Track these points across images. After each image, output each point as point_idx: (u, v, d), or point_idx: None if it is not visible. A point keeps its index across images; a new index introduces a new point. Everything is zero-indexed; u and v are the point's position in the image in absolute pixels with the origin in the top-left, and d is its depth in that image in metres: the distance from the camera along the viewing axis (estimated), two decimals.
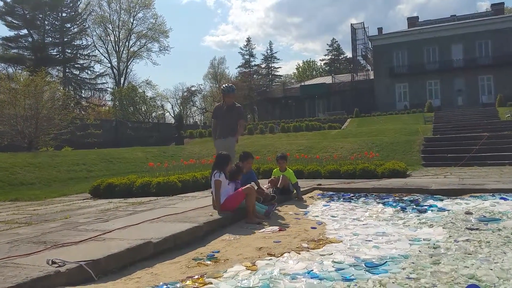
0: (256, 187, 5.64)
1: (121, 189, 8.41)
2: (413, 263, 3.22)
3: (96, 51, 53.38)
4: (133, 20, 54.98)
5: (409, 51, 41.53)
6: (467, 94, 39.10)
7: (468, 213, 5.21)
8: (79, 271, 2.94)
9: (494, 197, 6.19)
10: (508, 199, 5.96)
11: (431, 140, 16.28)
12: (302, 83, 55.87)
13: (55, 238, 3.96)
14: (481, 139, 14.63)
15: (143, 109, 50.42)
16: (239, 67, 75.89)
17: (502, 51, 37.91)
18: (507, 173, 9.92)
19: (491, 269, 2.99)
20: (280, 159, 7.26)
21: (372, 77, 45.77)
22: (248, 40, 75.92)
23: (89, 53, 50.65)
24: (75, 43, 49.27)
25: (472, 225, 4.55)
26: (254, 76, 74.84)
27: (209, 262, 3.47)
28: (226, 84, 7.04)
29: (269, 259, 3.46)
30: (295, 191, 7.19)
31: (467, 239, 3.89)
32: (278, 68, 78.69)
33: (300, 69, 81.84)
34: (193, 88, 69.37)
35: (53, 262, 2.96)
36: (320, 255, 3.56)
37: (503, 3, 46.79)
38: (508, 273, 2.90)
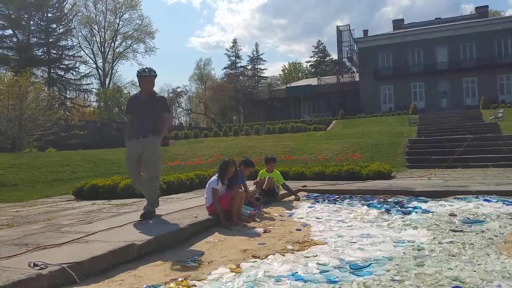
0: (242, 189, 5.64)
1: (105, 190, 8.31)
2: (397, 265, 3.24)
3: (82, 51, 52.78)
4: (119, 21, 54.50)
5: (394, 53, 41.99)
6: (451, 96, 39.68)
7: (452, 215, 5.27)
8: (62, 273, 2.89)
9: (478, 199, 6.27)
10: (492, 201, 6.05)
11: (416, 142, 16.43)
12: (288, 85, 56.14)
13: (38, 240, 3.89)
14: (465, 141, 14.81)
15: None
16: (225, 68, 76.18)
17: (486, 53, 38.64)
18: (490, 175, 10.05)
19: (475, 271, 3.02)
20: (270, 161, 7.27)
21: (357, 79, 46.19)
22: (234, 41, 76.11)
23: (74, 53, 50.00)
24: (61, 44, 48.58)
25: (456, 227, 4.60)
26: (240, 77, 74.97)
27: (193, 265, 3.43)
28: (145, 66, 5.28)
29: (254, 261, 3.45)
30: (280, 193, 7.22)
31: (451, 241, 3.93)
32: (264, 69, 78.95)
33: (286, 70, 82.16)
34: (178, 89, 69.01)
35: (35, 265, 2.90)
36: (305, 257, 3.55)
37: (487, 6, 47.58)
38: (491, 275, 2.93)
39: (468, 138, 15.35)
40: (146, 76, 5.04)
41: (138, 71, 5.10)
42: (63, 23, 48.69)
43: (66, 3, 49.21)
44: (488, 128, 19.49)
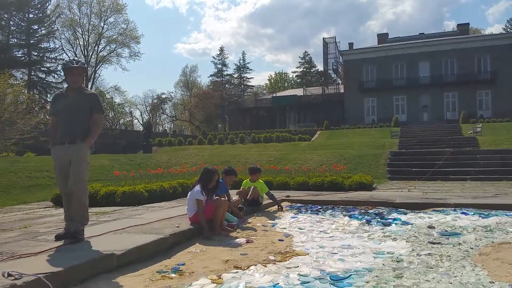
0: (226, 199, 5.63)
1: None
2: (376, 276, 3.28)
3: (64, 54, 51.91)
4: (104, 25, 53.74)
5: (378, 66, 42.70)
6: (432, 110, 40.48)
7: (431, 227, 5.36)
8: (38, 284, 2.82)
9: (456, 212, 6.41)
10: (469, 214, 6.18)
11: (397, 154, 16.67)
12: (274, 94, 56.43)
13: (13, 248, 3.81)
14: (445, 155, 15.10)
15: (110, 116, 49.45)
16: (211, 76, 76.15)
17: (466, 70, 39.67)
18: (468, 188, 10.27)
19: (451, 283, 3.08)
20: (256, 171, 7.26)
21: (342, 90, 46.77)
22: (221, 49, 76.27)
23: (56, 56, 49.07)
24: (42, 46, 47.77)
25: (434, 239, 4.68)
26: (226, 85, 75.00)
27: (173, 275, 3.41)
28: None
29: (235, 272, 3.44)
30: (264, 203, 7.22)
31: (429, 253, 4.00)
32: (250, 78, 79.25)
33: (272, 80, 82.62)
34: (163, 96, 68.70)
35: (9, 275, 2.83)
36: (286, 268, 3.57)
37: (468, 24, 49.47)
38: (466, 287, 2.99)
39: (447, 151, 15.65)
40: (74, 68, 4.29)
41: (63, 63, 4.43)
42: (45, 24, 47.88)
43: (49, 4, 48.51)
44: (467, 142, 19.91)
